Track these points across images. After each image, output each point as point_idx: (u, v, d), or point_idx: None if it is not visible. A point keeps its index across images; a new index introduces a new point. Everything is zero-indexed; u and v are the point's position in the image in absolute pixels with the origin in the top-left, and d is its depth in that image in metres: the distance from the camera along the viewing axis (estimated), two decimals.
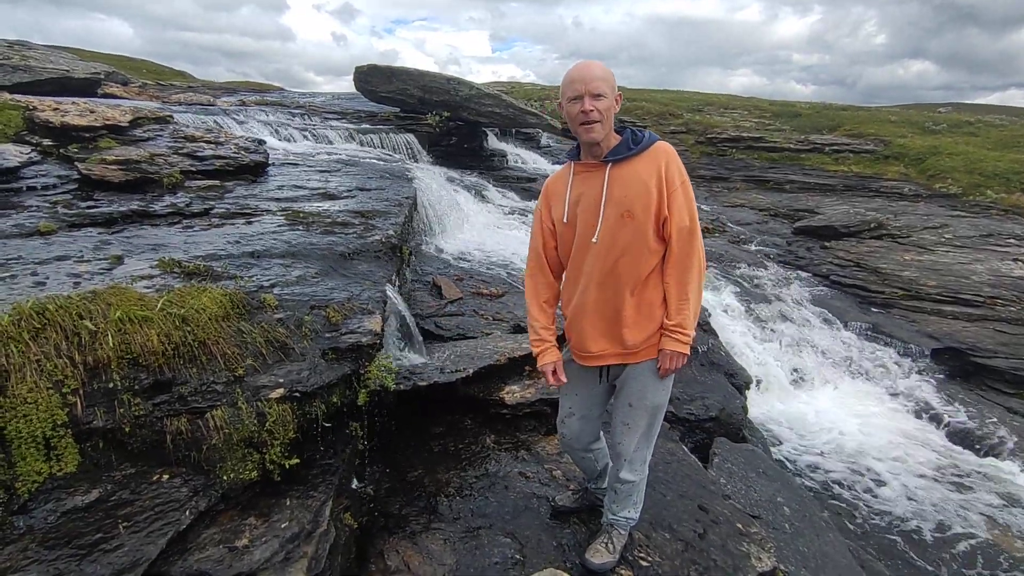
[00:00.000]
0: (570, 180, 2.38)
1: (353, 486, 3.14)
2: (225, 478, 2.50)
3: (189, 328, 2.58)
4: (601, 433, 2.87)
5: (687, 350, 2.31)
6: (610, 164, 2.26)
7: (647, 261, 2.28)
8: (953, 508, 5.46)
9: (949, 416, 6.88)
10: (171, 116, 7.50)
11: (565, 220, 2.37)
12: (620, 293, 2.31)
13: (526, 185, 12.47)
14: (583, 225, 2.32)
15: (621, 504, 2.75)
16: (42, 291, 2.72)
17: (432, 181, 8.26)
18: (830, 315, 9.10)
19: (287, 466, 2.66)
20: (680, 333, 2.29)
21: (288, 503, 2.61)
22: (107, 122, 6.10)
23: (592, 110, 2.16)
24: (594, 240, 2.27)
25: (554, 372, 2.52)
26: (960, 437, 6.62)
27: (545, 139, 17.23)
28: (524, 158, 14.81)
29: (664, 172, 2.22)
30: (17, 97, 6.86)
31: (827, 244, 11.90)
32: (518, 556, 2.81)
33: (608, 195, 2.25)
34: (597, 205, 2.27)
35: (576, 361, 2.56)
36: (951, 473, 5.96)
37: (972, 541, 5.06)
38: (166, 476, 2.43)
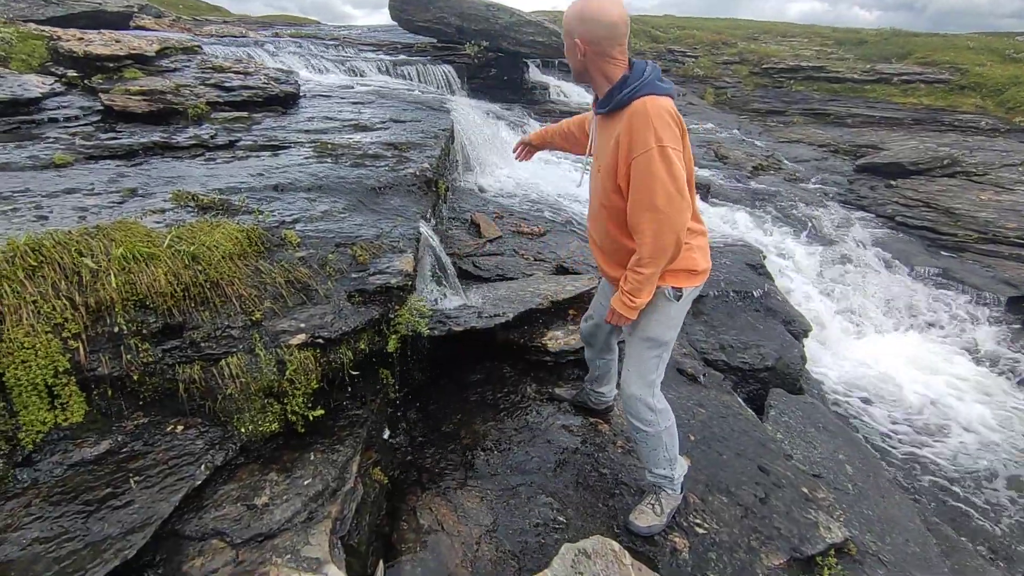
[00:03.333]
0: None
1: (384, 436, 2.93)
2: (243, 430, 2.30)
3: (200, 267, 2.34)
4: (615, 347, 3.00)
5: (632, 315, 2.24)
6: (597, 117, 2.26)
7: (609, 211, 2.26)
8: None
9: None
10: (199, 47, 7.21)
11: (587, 152, 2.47)
12: (600, 231, 2.38)
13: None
14: (593, 168, 2.37)
15: (648, 459, 2.55)
16: (43, 226, 2.51)
17: (471, 114, 7.82)
18: (895, 259, 8.46)
19: (311, 417, 2.45)
20: (628, 297, 2.20)
21: (312, 457, 2.41)
22: (132, 52, 5.85)
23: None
24: (598, 192, 2.29)
25: (519, 145, 2.95)
26: None
27: None
28: (567, 91, 14.08)
29: (623, 138, 2.04)
30: (43, 28, 6.63)
31: (893, 183, 11.03)
32: (561, 519, 2.58)
33: (596, 148, 2.30)
34: (593, 157, 2.35)
35: None
36: None
37: None
38: (180, 427, 2.24)
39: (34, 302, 2.04)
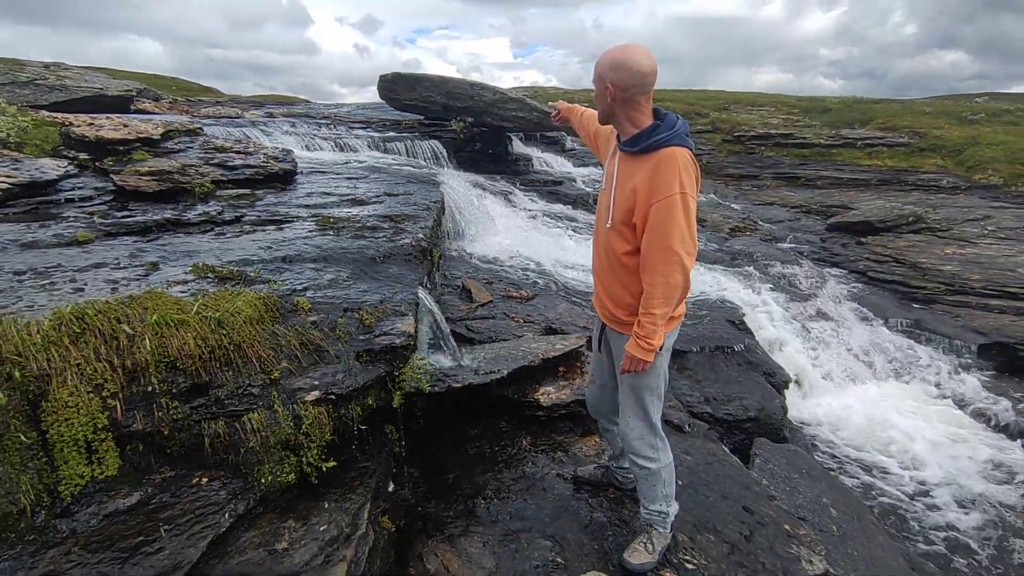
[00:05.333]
0: (612, 148, 2.50)
1: (390, 489, 3.10)
2: (263, 481, 2.49)
3: (224, 331, 2.57)
4: None
5: (650, 358, 2.35)
6: (620, 153, 2.36)
7: (619, 248, 2.38)
8: (1009, 507, 5.23)
9: (999, 412, 6.61)
10: (201, 128, 7.62)
11: (603, 186, 2.53)
12: (604, 265, 2.51)
13: (552, 188, 12.41)
14: (602, 199, 2.50)
15: (647, 495, 2.72)
16: (81, 297, 2.74)
17: (458, 186, 8.25)
18: (869, 312, 8.84)
19: (324, 469, 2.64)
20: (645, 341, 2.31)
21: (326, 506, 2.58)
22: (140, 135, 6.21)
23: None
24: (608, 224, 2.40)
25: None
26: (1013, 433, 6.35)
27: (570, 142, 17.13)
28: (549, 162, 14.74)
29: (647, 180, 2.19)
30: (54, 114, 7.03)
31: (863, 240, 11.59)
32: (559, 559, 2.74)
33: (616, 184, 2.37)
34: (610, 189, 2.41)
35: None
36: (1005, 471, 5.71)
37: None
38: (205, 479, 2.42)
39: (78, 365, 2.26)
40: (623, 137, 2.32)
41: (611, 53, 2.22)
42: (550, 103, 3.31)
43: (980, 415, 6.73)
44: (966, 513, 5.16)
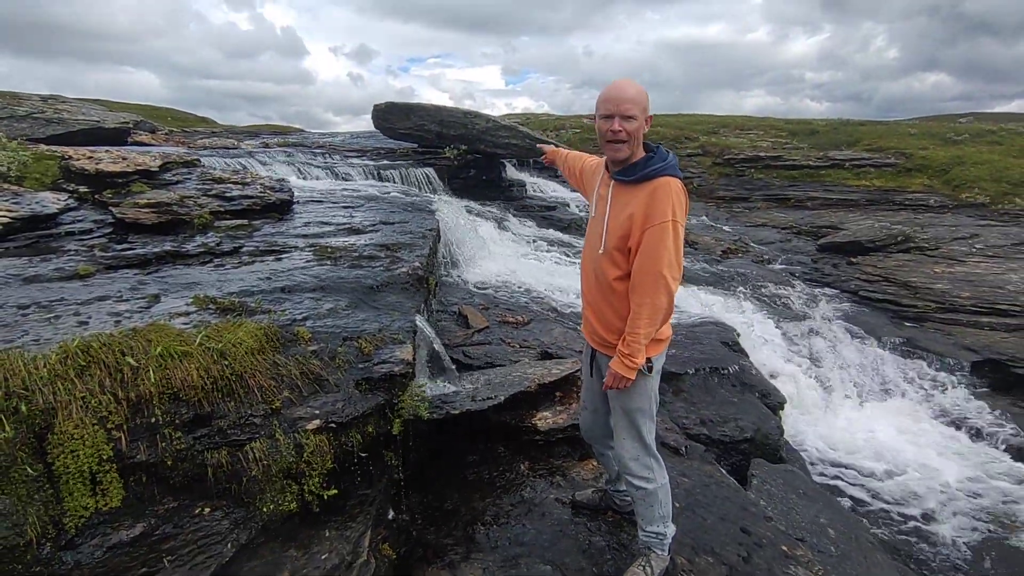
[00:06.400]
0: (599, 179, 2.60)
1: (389, 516, 3.12)
2: (265, 510, 2.51)
3: (227, 362, 2.62)
4: None
5: (631, 375, 2.45)
6: (614, 183, 2.46)
7: (611, 274, 2.47)
8: (1003, 525, 5.25)
9: (993, 429, 6.67)
10: (198, 160, 7.72)
11: (593, 214, 2.61)
12: (594, 291, 2.59)
13: (546, 214, 12.55)
14: (593, 227, 2.59)
15: (644, 516, 2.77)
16: (85, 330, 2.79)
17: (453, 213, 8.36)
18: (861, 331, 8.92)
19: (325, 497, 2.66)
20: (628, 359, 2.42)
21: (327, 534, 2.61)
22: (139, 167, 6.30)
23: (620, 131, 2.31)
24: (600, 251, 2.49)
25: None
26: (1006, 449, 6.39)
27: None
28: (543, 187, 14.92)
29: (642, 207, 2.30)
30: (53, 148, 7.13)
31: (853, 260, 11.72)
32: None
33: (609, 211, 2.46)
34: (603, 218, 2.48)
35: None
36: (1000, 488, 5.74)
37: None
38: (207, 509, 2.45)
39: (83, 398, 2.30)
40: (618, 167, 2.43)
41: (635, 85, 2.34)
42: (539, 145, 3.46)
43: (975, 433, 6.78)
44: (964, 532, 5.18)
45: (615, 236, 2.40)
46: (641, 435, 2.65)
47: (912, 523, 5.25)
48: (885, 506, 5.43)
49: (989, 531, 5.20)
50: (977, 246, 11.71)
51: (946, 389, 7.55)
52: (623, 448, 2.68)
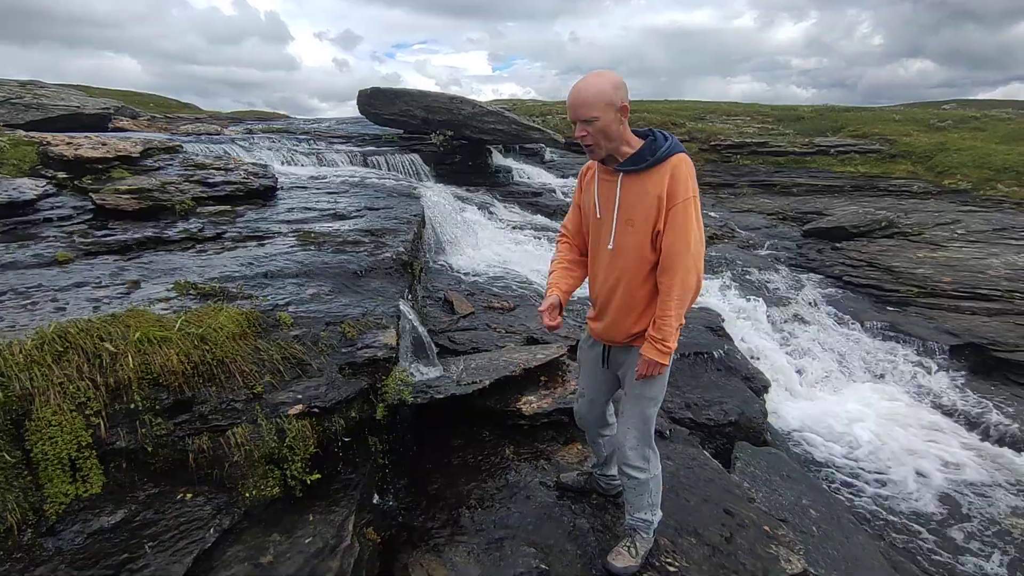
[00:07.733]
0: (596, 180, 2.48)
1: (374, 500, 3.13)
2: (247, 495, 2.51)
3: (207, 347, 2.60)
4: (612, 420, 3.02)
5: (667, 360, 2.42)
6: (622, 174, 2.35)
7: (643, 265, 2.39)
8: (983, 503, 5.36)
9: (973, 410, 6.78)
10: (180, 146, 7.62)
11: (598, 216, 2.48)
12: (619, 287, 2.47)
13: (532, 200, 12.51)
14: (601, 227, 2.47)
15: (633, 504, 2.77)
16: (63, 316, 2.76)
17: (439, 199, 8.31)
18: (845, 315, 9.01)
19: (308, 482, 2.66)
20: (662, 344, 2.38)
21: (311, 518, 2.61)
22: (119, 153, 6.21)
23: (584, 135, 2.25)
24: (610, 247, 2.44)
25: (549, 310, 2.53)
26: (985, 432, 6.50)
27: (549, 154, 17.29)
28: (529, 173, 14.87)
29: (664, 188, 2.26)
30: (32, 134, 7.00)
31: (838, 245, 11.81)
32: (543, 566, 2.78)
33: (620, 204, 2.37)
34: (611, 214, 2.40)
35: (590, 335, 2.77)
36: (979, 469, 5.85)
37: (1013, 543, 4.94)
38: (189, 495, 2.44)
39: (60, 384, 2.27)
40: (618, 157, 2.32)
41: (605, 76, 2.22)
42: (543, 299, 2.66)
43: (954, 415, 6.88)
44: (944, 511, 5.27)
45: (642, 226, 2.32)
46: (647, 425, 2.64)
47: (892, 502, 5.34)
48: (866, 486, 5.51)
49: (970, 511, 5.29)
50: (959, 232, 11.83)
51: (928, 372, 7.65)
52: (625, 437, 2.65)
